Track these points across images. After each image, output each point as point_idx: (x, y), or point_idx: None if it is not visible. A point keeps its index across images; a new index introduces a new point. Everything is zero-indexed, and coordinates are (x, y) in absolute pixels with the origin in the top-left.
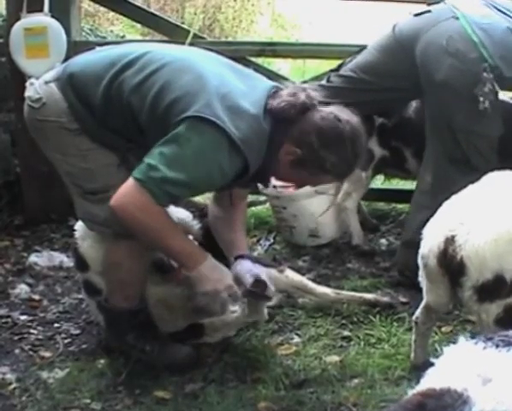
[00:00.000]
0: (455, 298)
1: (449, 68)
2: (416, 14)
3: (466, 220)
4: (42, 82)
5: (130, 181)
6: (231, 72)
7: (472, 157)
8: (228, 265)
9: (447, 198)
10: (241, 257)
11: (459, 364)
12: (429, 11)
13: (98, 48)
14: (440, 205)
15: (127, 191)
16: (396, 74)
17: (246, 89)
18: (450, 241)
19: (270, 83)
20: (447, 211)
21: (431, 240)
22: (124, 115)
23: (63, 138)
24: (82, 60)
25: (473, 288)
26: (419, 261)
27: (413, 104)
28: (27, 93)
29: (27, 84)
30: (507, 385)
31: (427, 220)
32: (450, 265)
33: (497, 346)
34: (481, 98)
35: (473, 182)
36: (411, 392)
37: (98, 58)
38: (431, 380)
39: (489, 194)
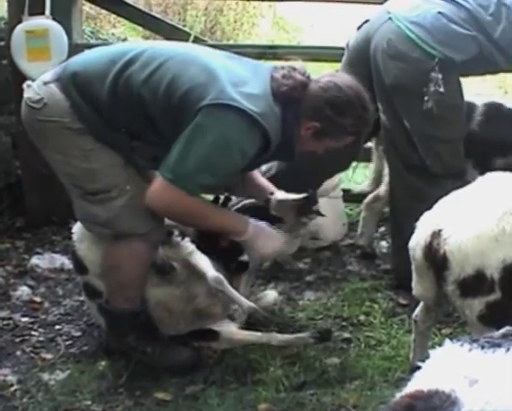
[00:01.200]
0: (441, 292)
1: (395, 71)
2: (358, 27)
3: (454, 216)
4: (41, 83)
5: (161, 181)
6: (230, 60)
7: (431, 164)
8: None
9: (412, 205)
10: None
11: (445, 366)
12: (367, 20)
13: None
14: (407, 213)
15: (160, 190)
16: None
17: (249, 75)
18: (436, 234)
19: (269, 66)
20: (440, 207)
21: (420, 233)
22: (133, 108)
23: (65, 138)
24: (82, 59)
25: (455, 282)
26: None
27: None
28: (27, 95)
29: (24, 86)
30: (494, 386)
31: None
32: (435, 258)
33: (483, 347)
34: (426, 98)
35: (439, 189)
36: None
37: (98, 56)
38: (419, 382)
39: (481, 194)
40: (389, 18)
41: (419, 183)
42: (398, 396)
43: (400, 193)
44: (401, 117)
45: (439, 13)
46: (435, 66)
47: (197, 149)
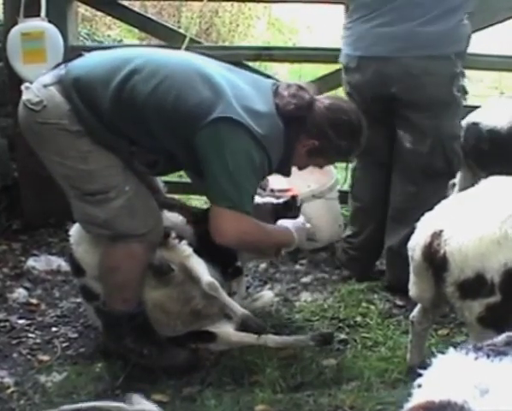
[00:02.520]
0: (439, 294)
1: (428, 87)
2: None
3: (456, 217)
4: (40, 86)
5: (221, 212)
6: (231, 73)
7: (453, 164)
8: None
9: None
10: None
11: (453, 375)
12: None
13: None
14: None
15: (226, 221)
16: None
17: (251, 90)
18: (437, 235)
19: (269, 81)
20: (442, 208)
21: (420, 232)
22: (136, 117)
23: (63, 140)
24: (84, 64)
25: (454, 284)
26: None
27: None
28: (26, 96)
29: (23, 88)
30: (505, 396)
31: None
32: (434, 258)
33: (488, 356)
34: (459, 94)
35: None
36: (409, 399)
37: (101, 62)
38: (427, 392)
39: (484, 196)
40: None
41: (439, 188)
42: (408, 407)
43: (409, 201)
44: (438, 124)
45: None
46: (456, 62)
47: (233, 169)
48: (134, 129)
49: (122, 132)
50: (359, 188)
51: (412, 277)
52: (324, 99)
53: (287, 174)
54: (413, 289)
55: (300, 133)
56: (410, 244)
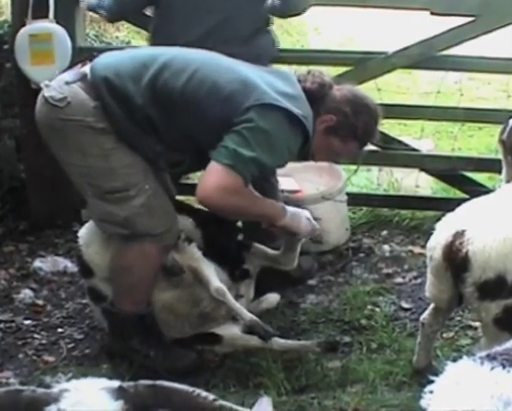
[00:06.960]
0: (456, 295)
1: None
2: None
3: (479, 218)
4: (62, 83)
5: (217, 167)
6: (251, 66)
7: None
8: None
9: None
10: None
11: (471, 385)
12: None
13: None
14: None
15: (218, 176)
16: None
17: (273, 78)
18: (460, 234)
19: (285, 69)
20: (463, 210)
21: (440, 233)
22: (171, 111)
23: (86, 137)
24: (110, 63)
25: (474, 284)
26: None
27: None
28: (48, 93)
29: (42, 85)
30: None
31: None
32: (455, 258)
33: (504, 366)
34: None
35: None
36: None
37: (127, 60)
38: (446, 402)
39: (507, 199)
40: None
41: None
42: None
43: None
44: None
45: None
46: None
47: (251, 142)
48: (168, 123)
49: (154, 128)
50: None
51: (429, 278)
52: (344, 85)
53: (307, 156)
54: (430, 290)
55: (320, 109)
56: (429, 244)
